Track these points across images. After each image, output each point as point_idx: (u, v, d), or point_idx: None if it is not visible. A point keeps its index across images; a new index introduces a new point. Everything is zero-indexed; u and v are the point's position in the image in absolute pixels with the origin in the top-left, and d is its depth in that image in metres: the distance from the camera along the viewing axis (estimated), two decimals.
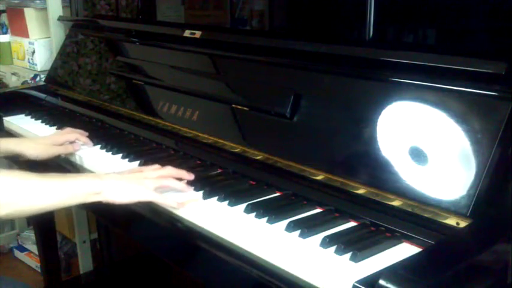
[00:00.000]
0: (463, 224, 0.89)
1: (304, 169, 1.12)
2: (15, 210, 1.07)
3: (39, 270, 2.54)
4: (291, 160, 1.15)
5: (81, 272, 2.47)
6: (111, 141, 1.48)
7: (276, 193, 1.13)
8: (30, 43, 2.32)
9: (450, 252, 0.82)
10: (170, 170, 1.17)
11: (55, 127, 1.68)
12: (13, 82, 2.41)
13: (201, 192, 1.14)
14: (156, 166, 1.19)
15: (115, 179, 1.13)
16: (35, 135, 1.63)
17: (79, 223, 2.39)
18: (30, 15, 2.31)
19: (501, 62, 0.91)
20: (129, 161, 1.36)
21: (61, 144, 1.45)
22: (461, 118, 0.94)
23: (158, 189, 1.13)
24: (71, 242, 2.60)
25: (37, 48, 2.30)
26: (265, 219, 1.01)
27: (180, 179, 1.16)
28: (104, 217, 1.62)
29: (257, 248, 0.93)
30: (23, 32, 2.35)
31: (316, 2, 1.29)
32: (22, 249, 2.77)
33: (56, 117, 1.77)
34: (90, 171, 1.35)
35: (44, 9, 2.23)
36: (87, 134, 1.50)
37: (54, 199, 1.09)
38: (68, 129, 1.51)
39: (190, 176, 1.16)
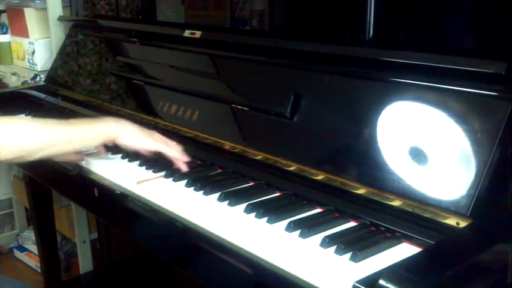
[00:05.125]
0: (463, 224, 0.89)
1: (304, 169, 1.12)
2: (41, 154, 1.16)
3: (39, 270, 2.54)
4: (291, 160, 1.15)
5: (81, 272, 2.47)
6: None
7: (276, 193, 1.13)
8: (30, 43, 2.32)
9: (450, 252, 0.82)
10: (176, 146, 1.26)
11: None
12: (13, 82, 2.41)
13: (201, 192, 1.14)
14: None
15: (132, 126, 1.25)
16: None
17: (79, 223, 2.39)
18: (30, 15, 2.31)
19: (501, 62, 0.91)
20: (128, 161, 1.36)
21: None
22: (461, 118, 0.94)
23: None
24: (71, 242, 2.60)
25: (37, 48, 2.30)
26: (265, 219, 1.01)
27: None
28: (104, 217, 1.62)
29: (257, 248, 0.93)
30: (23, 32, 2.35)
31: (316, 2, 1.29)
32: (22, 249, 2.77)
33: (56, 117, 1.76)
34: (90, 172, 1.34)
35: (44, 9, 2.23)
36: None
37: (76, 144, 1.21)
38: None
39: (183, 167, 1.23)
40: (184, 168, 1.23)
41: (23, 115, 1.83)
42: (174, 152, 1.24)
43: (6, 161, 1.14)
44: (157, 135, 1.27)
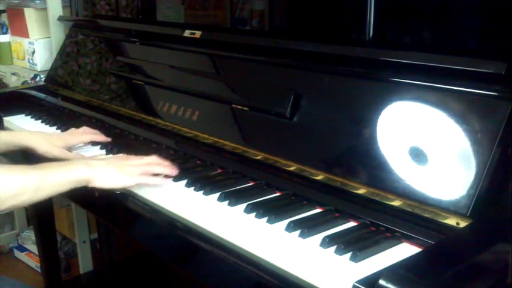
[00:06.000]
0: (463, 224, 0.89)
1: (304, 169, 1.12)
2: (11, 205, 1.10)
3: (39, 270, 2.54)
4: (291, 160, 1.15)
5: (81, 272, 2.47)
6: (112, 141, 1.48)
7: (276, 193, 1.13)
8: (30, 43, 2.32)
9: (450, 252, 0.82)
10: (155, 159, 1.22)
11: (55, 127, 1.68)
12: (13, 82, 2.41)
13: (201, 192, 1.14)
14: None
15: (103, 166, 1.18)
16: None
17: (79, 223, 2.39)
18: (30, 15, 2.31)
19: (501, 62, 0.91)
20: None
21: (74, 146, 1.46)
22: (461, 118, 0.94)
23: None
24: (71, 242, 2.60)
25: (37, 48, 2.30)
26: (265, 219, 1.01)
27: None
28: (104, 217, 1.62)
29: (257, 248, 0.93)
30: (23, 32, 2.35)
31: (316, 2, 1.29)
32: (22, 249, 2.77)
33: (56, 117, 1.77)
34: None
35: (44, 9, 2.23)
36: (101, 134, 1.50)
37: (46, 191, 1.13)
38: (83, 129, 1.50)
39: (173, 171, 1.21)
40: (174, 173, 1.20)
41: (23, 115, 1.84)
42: (157, 168, 1.20)
43: None
44: (134, 163, 1.21)
